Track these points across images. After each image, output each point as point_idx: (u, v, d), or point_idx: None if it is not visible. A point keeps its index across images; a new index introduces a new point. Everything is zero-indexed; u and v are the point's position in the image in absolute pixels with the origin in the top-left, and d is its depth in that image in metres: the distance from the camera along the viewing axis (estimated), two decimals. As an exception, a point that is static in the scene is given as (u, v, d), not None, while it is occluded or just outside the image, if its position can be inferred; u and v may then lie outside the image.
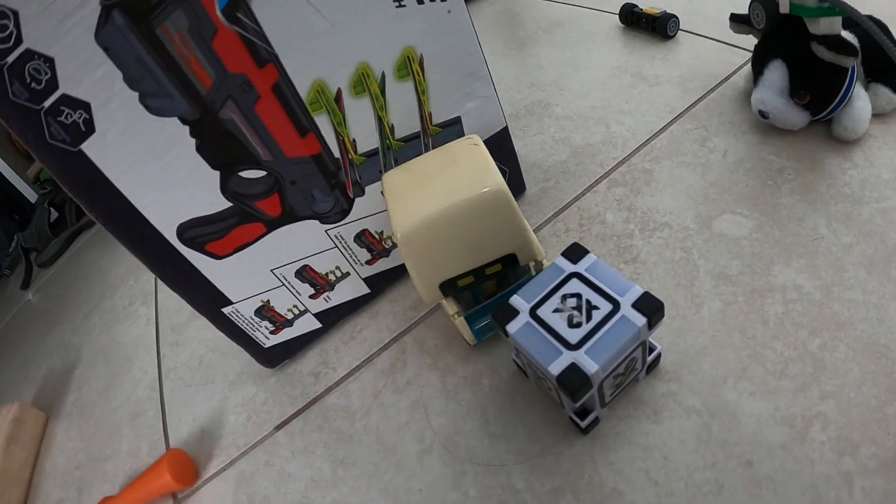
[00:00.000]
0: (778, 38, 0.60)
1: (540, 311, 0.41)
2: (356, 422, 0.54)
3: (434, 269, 0.45)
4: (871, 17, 0.61)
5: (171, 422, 0.66)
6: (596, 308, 0.39)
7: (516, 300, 0.42)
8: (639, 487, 0.42)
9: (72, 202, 1.22)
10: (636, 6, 0.88)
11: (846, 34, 0.59)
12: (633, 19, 0.88)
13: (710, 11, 0.85)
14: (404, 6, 0.45)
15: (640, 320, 0.38)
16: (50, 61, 0.37)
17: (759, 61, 0.61)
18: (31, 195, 1.38)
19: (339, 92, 0.46)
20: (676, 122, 0.68)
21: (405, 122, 0.51)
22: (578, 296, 0.40)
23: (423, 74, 0.49)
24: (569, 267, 0.42)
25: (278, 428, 0.58)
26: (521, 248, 0.45)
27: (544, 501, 0.43)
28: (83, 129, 0.39)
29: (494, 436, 0.48)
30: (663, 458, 0.43)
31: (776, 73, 0.58)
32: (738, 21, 0.67)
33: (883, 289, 0.47)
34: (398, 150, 0.52)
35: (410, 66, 0.48)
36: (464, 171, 0.44)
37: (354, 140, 0.49)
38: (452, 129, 0.54)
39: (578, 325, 0.39)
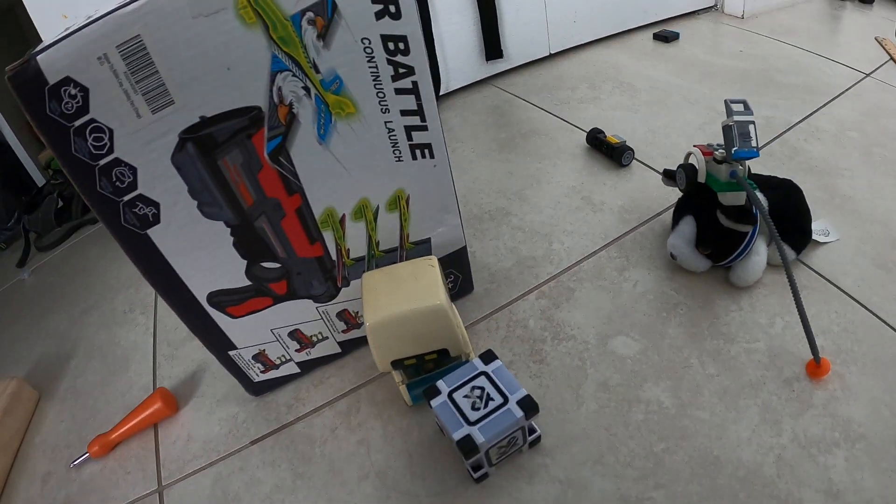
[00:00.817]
0: (694, 198, 0.82)
1: (454, 394, 0.65)
2: (315, 447, 0.78)
3: (388, 350, 0.69)
4: (787, 181, 0.84)
5: (162, 421, 0.88)
6: (491, 399, 0.64)
7: (441, 384, 0.67)
8: (509, 528, 0.66)
9: (79, 197, 1.40)
10: (601, 132, 1.14)
11: (759, 195, 0.80)
12: (596, 144, 1.14)
13: (665, 147, 1.11)
14: (402, 161, 0.69)
15: (519, 413, 0.63)
16: (133, 170, 0.57)
17: (678, 212, 0.85)
18: (39, 179, 1.56)
19: (343, 216, 0.70)
20: (605, 249, 0.93)
21: (388, 239, 0.75)
22: (482, 389, 0.65)
23: (408, 208, 0.74)
24: (481, 366, 0.67)
25: (253, 443, 0.81)
26: (453, 345, 0.70)
27: (440, 527, 0.68)
28: (151, 220, 0.60)
29: (415, 474, 0.71)
30: (528, 510, 0.67)
31: (687, 227, 0.81)
32: (667, 177, 0.90)
33: (728, 414, 0.68)
34: (380, 258, 0.76)
35: (399, 203, 0.73)
36: (420, 286, 0.69)
37: (349, 249, 0.73)
38: (423, 246, 0.79)
39: (478, 409, 0.64)
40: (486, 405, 0.64)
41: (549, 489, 0.67)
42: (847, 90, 1.15)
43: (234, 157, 0.60)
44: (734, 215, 0.75)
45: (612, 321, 0.82)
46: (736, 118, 0.75)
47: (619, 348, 0.79)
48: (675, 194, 0.93)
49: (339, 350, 0.85)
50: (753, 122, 0.75)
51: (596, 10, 1.43)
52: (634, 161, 1.10)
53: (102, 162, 0.55)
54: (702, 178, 0.80)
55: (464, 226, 0.81)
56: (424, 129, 0.67)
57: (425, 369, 0.75)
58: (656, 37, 1.47)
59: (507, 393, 0.64)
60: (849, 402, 0.67)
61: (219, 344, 0.75)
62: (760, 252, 0.80)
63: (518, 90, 1.36)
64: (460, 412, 0.64)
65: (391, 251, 0.77)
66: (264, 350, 0.79)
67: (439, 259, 0.72)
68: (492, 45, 1.35)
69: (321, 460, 0.76)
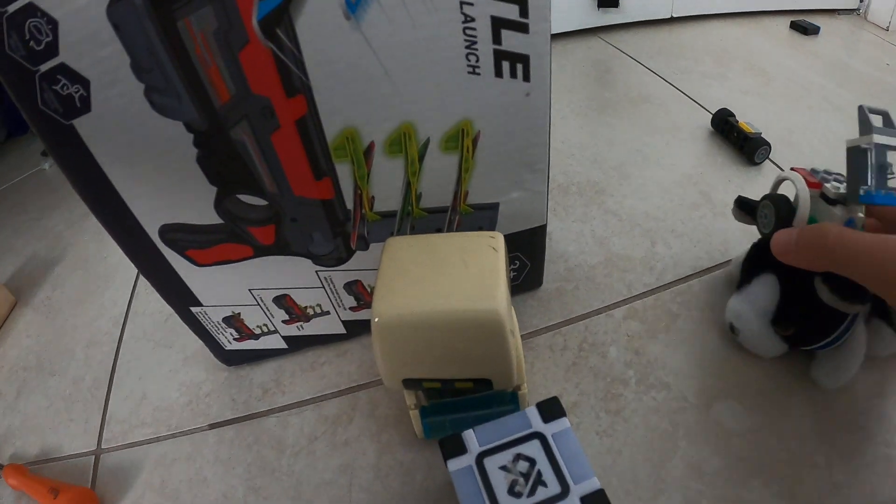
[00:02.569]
0: None
1: (487, 461, 0.38)
2: (283, 458, 0.53)
3: (402, 365, 0.42)
4: None
5: (119, 368, 0.66)
6: (543, 485, 0.37)
7: (469, 436, 0.40)
8: None
9: None
10: (732, 115, 0.83)
11: None
12: (725, 128, 0.82)
13: (804, 151, 0.79)
14: (478, 74, 0.41)
15: (583, 519, 0.35)
16: (53, 23, 0.33)
17: (751, 266, 0.53)
18: None
19: (371, 145, 0.43)
20: (723, 266, 0.63)
21: (436, 193, 0.47)
22: (532, 462, 0.38)
23: (473, 152, 0.46)
24: (537, 424, 0.40)
25: (212, 427, 0.57)
26: (500, 375, 0.43)
27: None
28: (78, 105, 0.36)
29: (405, 541, 0.46)
30: None
31: (763, 290, 0.50)
32: (742, 209, 0.56)
33: None
34: (419, 218, 0.49)
35: (462, 141, 0.45)
36: (469, 277, 0.41)
37: (373, 197, 0.46)
38: (486, 214, 0.51)
39: (518, 494, 0.36)
40: (532, 491, 0.36)
41: None
42: None
43: (203, 18, 0.34)
44: (843, 290, 0.44)
45: (724, 375, 0.53)
46: (877, 139, 0.42)
47: (725, 418, 0.50)
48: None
49: (342, 331, 0.59)
50: None
51: (733, -20, 1.11)
52: (767, 160, 0.78)
53: (12, 8, 0.32)
54: (800, 224, 0.47)
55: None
56: (523, 29, 0.38)
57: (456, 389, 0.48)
58: (793, 26, 1.18)
59: (568, 478, 0.37)
60: None
61: (177, 295, 0.50)
62: (859, 337, 0.48)
63: (630, 49, 1.05)
64: (490, 494, 0.37)
65: (437, 212, 0.49)
66: (239, 314, 0.53)
67: (505, 237, 0.44)
68: (608, -10, 1.05)
69: (286, 478, 0.51)
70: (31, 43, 0.34)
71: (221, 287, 0.50)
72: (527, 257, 0.58)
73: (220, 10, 0.34)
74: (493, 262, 0.42)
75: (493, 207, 0.51)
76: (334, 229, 0.48)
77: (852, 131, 0.43)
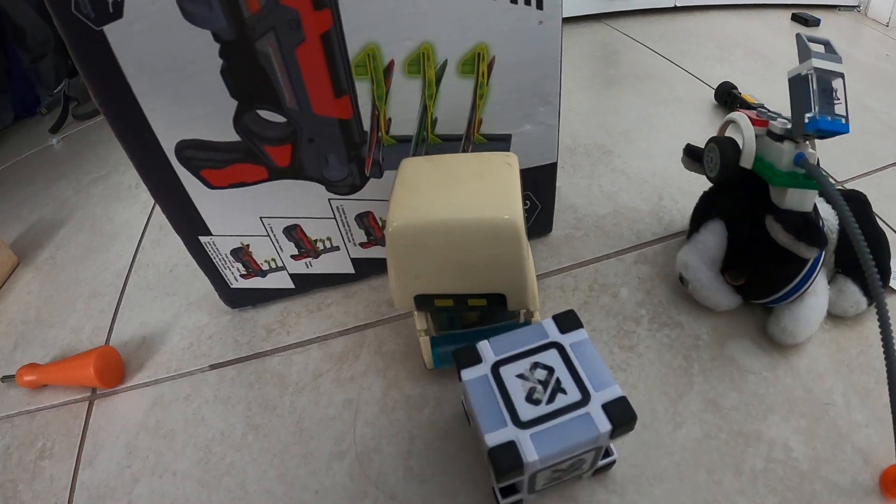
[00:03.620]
0: (729, 193, 0.47)
1: (503, 369, 0.35)
2: (286, 395, 0.50)
3: (414, 278, 0.39)
4: (852, 192, 0.49)
5: (120, 316, 0.63)
6: (563, 392, 0.34)
7: (484, 346, 0.37)
8: None
9: None
10: (735, 88, 0.81)
11: (824, 209, 0.46)
12: (727, 99, 0.81)
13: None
14: (496, 0, 0.40)
15: (605, 426, 0.32)
16: None
17: (700, 214, 0.49)
18: None
19: (391, 64, 0.41)
20: (732, 221, 0.61)
21: (451, 120, 0.45)
22: (550, 370, 0.35)
23: (488, 78, 0.44)
24: (554, 334, 0.37)
25: (213, 367, 0.54)
26: (515, 292, 0.40)
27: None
28: (111, 10, 0.35)
29: (411, 470, 0.43)
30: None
31: (711, 238, 0.46)
32: (691, 156, 0.53)
33: (875, 484, 0.40)
34: (433, 145, 0.46)
35: (477, 65, 0.43)
36: (485, 188, 0.39)
37: (390, 119, 0.44)
38: (499, 145, 0.48)
39: (537, 402, 0.33)
40: (551, 398, 0.33)
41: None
42: None
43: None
44: (796, 227, 0.40)
45: (737, 317, 0.51)
46: (816, 63, 0.39)
47: (740, 356, 0.48)
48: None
49: (351, 270, 0.56)
50: (842, 76, 0.39)
51: (736, -28, 1.10)
52: (771, 132, 0.76)
53: None
54: (747, 163, 0.44)
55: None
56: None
57: (464, 321, 0.45)
58: (795, 17, 1.17)
59: (589, 386, 0.34)
60: None
61: (187, 222, 0.48)
62: (820, 292, 0.45)
63: (634, 34, 1.04)
64: (507, 401, 0.34)
65: (452, 139, 0.47)
66: (248, 246, 0.50)
67: (517, 171, 0.41)
68: (613, -22, 1.03)
69: (288, 415, 0.48)
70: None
71: (232, 214, 0.47)
72: (538, 198, 0.55)
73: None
74: (509, 176, 0.40)
75: (506, 139, 0.48)
76: (350, 153, 0.45)
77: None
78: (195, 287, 0.63)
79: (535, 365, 0.35)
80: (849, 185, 0.64)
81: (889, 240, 0.49)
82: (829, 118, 0.38)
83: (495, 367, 0.35)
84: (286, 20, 0.37)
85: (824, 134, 0.39)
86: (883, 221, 0.57)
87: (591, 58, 0.95)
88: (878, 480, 0.40)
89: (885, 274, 0.48)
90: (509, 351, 0.36)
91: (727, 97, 0.81)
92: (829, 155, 0.66)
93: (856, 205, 0.47)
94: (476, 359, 0.36)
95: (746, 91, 0.82)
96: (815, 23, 1.12)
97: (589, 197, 0.65)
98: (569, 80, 0.89)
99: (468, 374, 0.35)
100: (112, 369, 0.54)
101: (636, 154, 0.71)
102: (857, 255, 0.36)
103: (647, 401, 0.45)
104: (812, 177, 0.40)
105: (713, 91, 0.83)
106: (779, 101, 0.81)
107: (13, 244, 0.80)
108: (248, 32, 0.37)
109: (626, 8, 1.10)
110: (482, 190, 0.39)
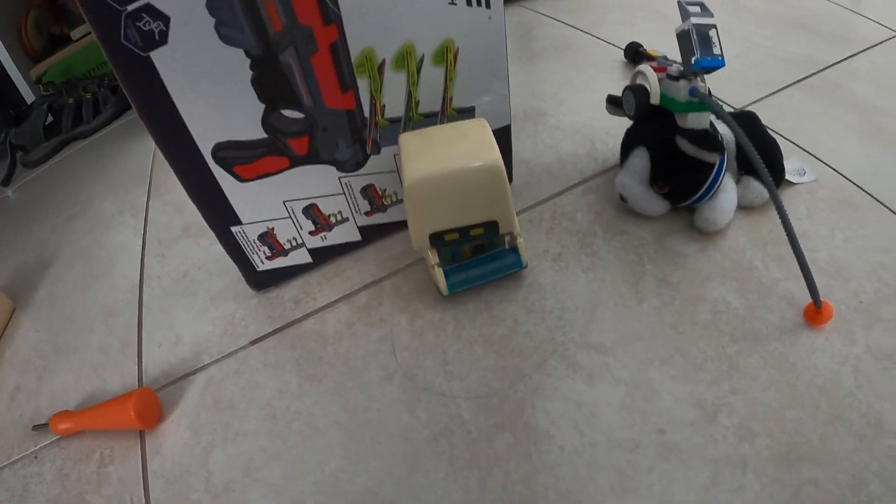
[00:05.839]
0: (646, 126, 0.63)
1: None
2: (328, 346, 0.61)
3: (428, 220, 0.53)
4: (742, 113, 0.67)
5: (146, 323, 0.70)
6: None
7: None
8: (567, 434, 0.50)
9: (70, 108, 1.23)
10: (641, 46, 0.98)
11: (722, 128, 0.62)
12: (635, 57, 0.98)
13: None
14: (455, 4, 0.53)
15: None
16: None
17: (627, 145, 0.65)
18: (29, 96, 1.39)
19: (383, 62, 0.53)
20: (653, 151, 0.77)
21: (429, 100, 0.59)
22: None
23: (455, 65, 0.57)
24: None
25: (253, 343, 0.64)
26: (504, 218, 0.54)
27: (485, 434, 0.51)
28: (157, 39, 0.44)
29: (450, 374, 0.56)
30: (591, 415, 0.51)
31: (638, 161, 0.62)
32: (612, 103, 0.69)
33: (799, 318, 0.54)
34: (417, 122, 0.60)
35: (446, 56, 0.56)
36: (470, 145, 0.53)
37: (384, 106, 0.57)
38: (466, 116, 0.62)
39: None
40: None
41: (612, 392, 0.52)
42: (881, 43, 0.99)
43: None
44: (698, 140, 0.57)
45: (669, 219, 0.67)
46: (694, 20, 0.56)
47: (677, 245, 0.64)
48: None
49: (358, 237, 0.68)
50: (715, 27, 0.56)
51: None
52: (673, 77, 0.94)
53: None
54: (655, 100, 0.61)
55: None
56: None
57: (463, 255, 0.59)
58: None
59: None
60: None
61: (221, 215, 0.58)
62: (729, 189, 0.62)
63: (547, 11, 1.20)
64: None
65: (431, 116, 0.60)
66: (273, 229, 0.62)
67: (479, 135, 0.56)
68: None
69: (334, 360, 0.60)
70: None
71: (260, 202, 0.59)
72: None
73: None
74: (486, 134, 0.54)
75: (471, 110, 0.62)
76: (354, 136, 0.58)
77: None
78: (213, 283, 0.72)
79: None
80: (748, 109, 0.82)
81: (785, 147, 0.66)
82: (710, 58, 0.55)
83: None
84: (303, 35, 0.49)
85: (708, 69, 0.56)
86: (778, 134, 0.74)
87: (514, 36, 1.11)
88: (803, 315, 0.55)
89: (780, 171, 0.65)
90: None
91: (635, 54, 0.98)
92: (730, 87, 0.83)
93: (745, 120, 0.65)
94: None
95: (651, 47, 0.99)
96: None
97: (535, 151, 0.80)
98: (498, 59, 1.04)
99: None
100: (150, 409, 0.58)
101: (567, 111, 0.87)
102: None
103: (614, 287, 0.60)
104: (704, 102, 0.56)
105: (622, 51, 1.00)
106: (677, 51, 0.99)
107: (4, 287, 0.82)
108: (273, 47, 0.48)
109: (534, -10, 1.26)
110: (470, 146, 0.52)
